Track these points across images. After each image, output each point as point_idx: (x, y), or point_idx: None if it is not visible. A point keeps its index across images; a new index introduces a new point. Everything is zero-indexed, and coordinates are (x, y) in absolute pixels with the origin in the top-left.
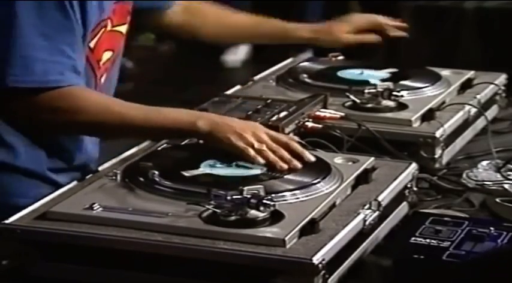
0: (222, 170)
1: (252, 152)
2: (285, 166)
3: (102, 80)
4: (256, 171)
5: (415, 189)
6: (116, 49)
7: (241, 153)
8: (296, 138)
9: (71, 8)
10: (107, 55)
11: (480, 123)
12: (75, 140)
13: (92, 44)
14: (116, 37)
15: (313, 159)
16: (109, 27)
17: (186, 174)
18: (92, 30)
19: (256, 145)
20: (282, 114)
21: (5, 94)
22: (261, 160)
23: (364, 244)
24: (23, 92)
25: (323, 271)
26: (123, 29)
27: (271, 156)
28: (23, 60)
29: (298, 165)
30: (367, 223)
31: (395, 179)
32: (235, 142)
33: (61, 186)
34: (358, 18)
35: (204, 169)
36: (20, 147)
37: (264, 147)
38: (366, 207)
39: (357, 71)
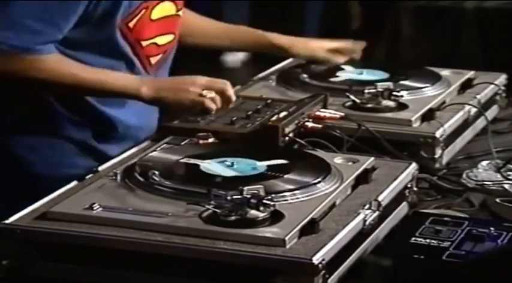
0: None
1: (208, 101)
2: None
3: (154, 60)
4: (257, 171)
5: (415, 189)
6: (177, 32)
7: (198, 104)
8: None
9: None
10: (167, 38)
11: (480, 123)
12: (115, 109)
13: (131, 24)
14: (178, 21)
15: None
16: (174, 12)
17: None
18: (132, 11)
19: (205, 93)
20: (282, 114)
21: None
22: (213, 107)
23: (364, 244)
24: (8, 53)
25: (323, 271)
26: (181, 12)
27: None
28: (16, 27)
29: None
30: (367, 223)
31: (395, 179)
32: (188, 98)
33: (109, 156)
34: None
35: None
36: (64, 117)
37: (213, 94)
38: (366, 207)
39: (357, 71)
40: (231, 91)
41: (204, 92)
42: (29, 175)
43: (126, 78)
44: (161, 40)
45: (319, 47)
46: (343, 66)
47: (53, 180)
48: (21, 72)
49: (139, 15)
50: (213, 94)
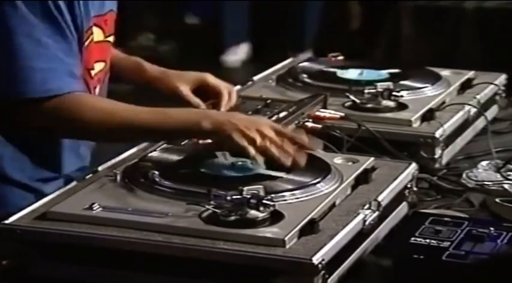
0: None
1: (252, 151)
2: (289, 162)
3: (97, 91)
4: (257, 171)
5: (415, 189)
6: (107, 60)
7: (243, 151)
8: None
9: (59, 13)
10: (99, 66)
11: (480, 123)
12: (62, 151)
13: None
14: (107, 47)
15: (320, 151)
16: (102, 37)
17: None
18: (82, 35)
19: (259, 142)
20: (282, 114)
21: (7, 107)
22: (260, 160)
23: (364, 244)
24: (24, 103)
25: (323, 271)
26: (112, 39)
27: (275, 152)
28: (21, 72)
29: (303, 160)
30: (367, 223)
31: (395, 179)
32: (237, 141)
33: (46, 196)
34: (203, 79)
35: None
36: (6, 156)
37: (267, 143)
38: (366, 207)
39: (356, 71)
40: (304, 139)
41: (259, 141)
42: None
43: (181, 112)
44: (96, 68)
45: (183, 85)
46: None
47: None
48: (50, 121)
49: (89, 39)
50: (267, 143)
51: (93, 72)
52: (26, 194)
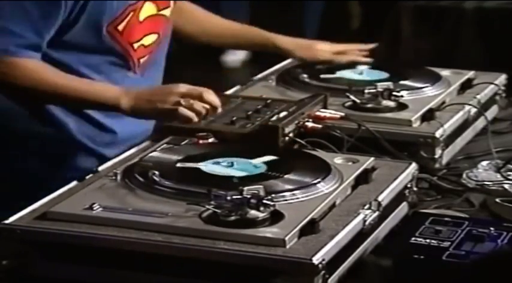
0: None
1: (185, 110)
2: (196, 118)
3: (142, 60)
4: (257, 171)
5: (415, 189)
6: (161, 32)
7: (173, 113)
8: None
9: None
10: (151, 38)
11: (480, 123)
12: (113, 117)
13: (120, 27)
14: (161, 20)
15: (218, 104)
16: (155, 11)
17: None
18: (119, 15)
19: (183, 101)
20: (282, 114)
21: None
22: (195, 117)
23: (364, 244)
24: None
25: (323, 271)
26: (167, 12)
27: (199, 109)
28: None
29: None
30: (367, 223)
31: (395, 179)
32: (164, 107)
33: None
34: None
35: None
36: (70, 122)
37: (191, 101)
38: (366, 207)
39: (357, 71)
40: (211, 96)
41: (182, 101)
42: (28, 175)
43: (107, 90)
44: (147, 40)
45: (323, 49)
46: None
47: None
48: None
49: (128, 18)
50: (190, 101)
51: (136, 45)
52: (90, 158)
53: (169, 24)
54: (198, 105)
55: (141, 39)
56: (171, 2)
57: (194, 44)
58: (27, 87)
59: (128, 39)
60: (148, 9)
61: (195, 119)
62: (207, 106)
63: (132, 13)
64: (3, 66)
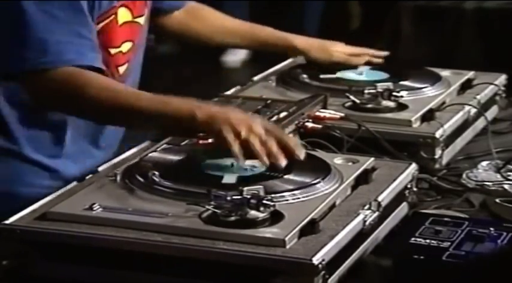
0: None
1: (236, 147)
2: (267, 161)
3: (121, 69)
4: (257, 171)
5: (415, 189)
6: (136, 41)
7: (227, 146)
8: (296, 138)
9: None
10: (128, 45)
11: (480, 123)
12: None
13: (97, 28)
14: (136, 28)
15: (302, 157)
16: (130, 18)
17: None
18: (102, 13)
19: (243, 135)
20: (282, 114)
21: (22, 79)
22: (241, 159)
23: (364, 244)
24: (38, 73)
25: (323, 272)
26: (142, 20)
27: (256, 148)
28: (38, 44)
29: (283, 162)
30: (367, 223)
31: (395, 179)
32: (224, 134)
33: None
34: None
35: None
36: (21, 135)
37: (252, 139)
38: (366, 207)
39: (357, 71)
40: (291, 141)
41: (244, 135)
42: None
43: (179, 102)
44: (124, 47)
45: (338, 50)
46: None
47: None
48: (61, 91)
49: (107, 20)
50: (252, 139)
51: (113, 51)
52: (41, 172)
53: (144, 33)
54: (272, 146)
55: (119, 45)
56: (146, 11)
57: (206, 45)
58: (103, 104)
59: (103, 43)
60: (124, 14)
61: (242, 161)
62: (274, 150)
63: (113, 16)
64: (72, 80)
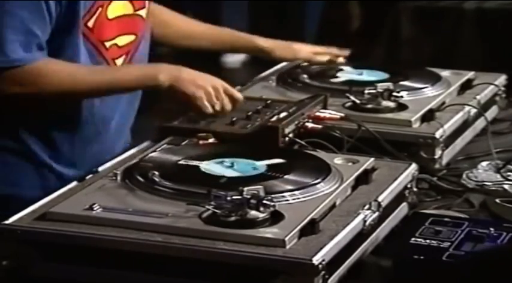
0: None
1: (205, 102)
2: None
3: (118, 61)
4: (257, 172)
5: (415, 189)
6: (139, 33)
7: (195, 100)
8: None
9: None
10: (127, 38)
11: (480, 123)
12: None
13: (90, 24)
14: (137, 21)
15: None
16: (131, 11)
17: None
18: (88, 10)
19: (214, 94)
20: (282, 114)
21: None
22: (210, 109)
23: (364, 244)
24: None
25: (323, 272)
26: (143, 13)
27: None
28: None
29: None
30: (367, 223)
31: (395, 180)
32: (196, 94)
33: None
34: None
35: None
36: (29, 138)
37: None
38: (366, 207)
39: (357, 72)
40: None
41: (214, 97)
42: None
43: (139, 68)
44: (121, 41)
45: (302, 48)
46: (342, 67)
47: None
48: (19, 88)
49: (96, 14)
50: (221, 99)
51: (108, 44)
52: (49, 175)
53: (146, 25)
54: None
55: (114, 38)
56: (146, 3)
57: (172, 47)
58: (62, 90)
59: (98, 37)
60: (122, 7)
61: (209, 111)
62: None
63: (100, 9)
64: (25, 76)
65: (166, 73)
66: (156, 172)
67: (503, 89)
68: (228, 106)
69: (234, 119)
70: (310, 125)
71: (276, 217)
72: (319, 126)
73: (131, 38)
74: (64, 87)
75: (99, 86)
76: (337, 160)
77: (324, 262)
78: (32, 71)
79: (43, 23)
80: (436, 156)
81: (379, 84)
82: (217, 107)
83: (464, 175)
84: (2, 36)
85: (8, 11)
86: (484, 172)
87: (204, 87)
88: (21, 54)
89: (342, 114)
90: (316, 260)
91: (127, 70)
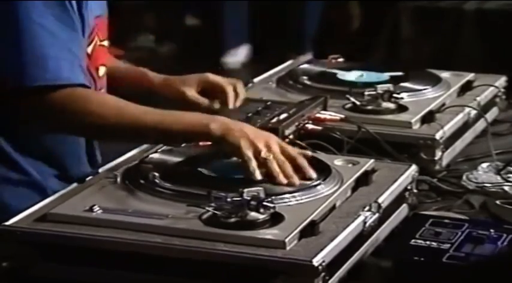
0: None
1: (252, 164)
2: (284, 181)
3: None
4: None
5: (415, 191)
6: (106, 64)
7: (245, 162)
8: (309, 153)
9: (71, 7)
10: (102, 70)
11: (480, 125)
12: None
13: (89, 50)
14: (105, 51)
15: (314, 176)
16: (98, 42)
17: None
18: (88, 36)
19: (263, 153)
20: (282, 116)
21: (14, 97)
22: (258, 176)
23: (364, 246)
24: (37, 91)
25: (323, 273)
26: (106, 43)
27: (275, 168)
28: (36, 59)
29: (297, 182)
30: (367, 225)
31: (395, 181)
32: (243, 150)
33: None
34: (205, 78)
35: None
36: (18, 156)
37: (271, 158)
38: (366, 209)
39: (357, 73)
40: (305, 163)
41: (263, 153)
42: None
43: (191, 115)
44: (101, 71)
45: (188, 88)
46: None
47: None
48: (63, 114)
49: (94, 40)
50: (270, 158)
51: (100, 73)
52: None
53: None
54: (287, 166)
55: (99, 68)
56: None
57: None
58: (109, 123)
59: (94, 64)
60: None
61: (258, 178)
62: (289, 170)
63: (96, 37)
64: (71, 101)
65: (219, 123)
66: (156, 174)
67: (503, 90)
68: (288, 171)
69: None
70: (310, 126)
71: (276, 218)
72: (319, 128)
73: (104, 69)
74: (111, 121)
75: (147, 126)
76: (337, 161)
77: (324, 264)
78: (79, 97)
79: (80, 44)
80: (436, 158)
81: (379, 86)
82: (272, 168)
83: (464, 177)
84: (45, 54)
85: (44, 26)
86: (484, 173)
87: (255, 144)
88: (67, 73)
89: (342, 116)
90: (316, 261)
91: (178, 114)
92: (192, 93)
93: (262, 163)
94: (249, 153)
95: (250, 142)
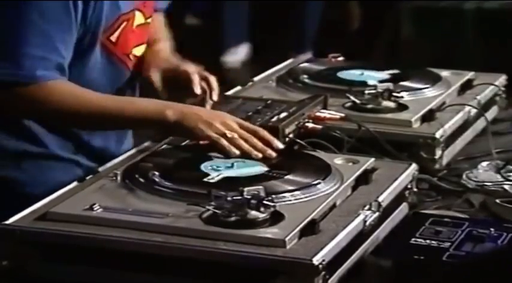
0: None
1: (225, 142)
2: (260, 155)
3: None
4: (257, 171)
5: (415, 189)
6: (146, 42)
7: (214, 143)
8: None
9: (74, 8)
10: (141, 48)
11: (480, 124)
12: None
13: (113, 38)
14: (147, 29)
15: (281, 146)
16: (142, 20)
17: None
18: (110, 25)
19: (228, 134)
20: (282, 115)
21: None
22: (236, 151)
23: (364, 245)
24: (9, 84)
25: (323, 272)
26: (150, 20)
27: (245, 145)
28: (15, 56)
29: (273, 153)
30: (367, 224)
31: (395, 180)
32: (205, 132)
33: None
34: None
35: (222, 172)
36: (46, 135)
37: (236, 136)
38: (366, 207)
39: (357, 72)
40: (267, 135)
41: (228, 133)
42: (19, 195)
43: (147, 102)
44: (138, 51)
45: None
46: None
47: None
48: (28, 104)
49: (120, 28)
50: (235, 135)
51: (131, 56)
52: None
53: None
54: (255, 140)
55: (133, 48)
56: (152, 10)
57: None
58: (69, 111)
59: (122, 50)
60: (138, 18)
61: (236, 153)
62: (259, 144)
63: (125, 23)
64: (37, 93)
65: (173, 109)
66: (156, 173)
67: (503, 89)
68: (259, 145)
69: None
70: (310, 125)
71: (276, 217)
72: (320, 127)
73: (143, 48)
74: (74, 108)
75: (110, 113)
76: (338, 160)
77: (324, 263)
78: (46, 89)
79: (70, 42)
80: (436, 156)
81: (379, 85)
82: (242, 145)
83: (464, 176)
84: (25, 53)
85: (33, 22)
86: (484, 172)
87: (213, 124)
88: (42, 71)
89: (342, 115)
90: (316, 260)
91: (136, 101)
92: (154, 75)
93: (230, 142)
94: (213, 134)
95: (208, 124)
